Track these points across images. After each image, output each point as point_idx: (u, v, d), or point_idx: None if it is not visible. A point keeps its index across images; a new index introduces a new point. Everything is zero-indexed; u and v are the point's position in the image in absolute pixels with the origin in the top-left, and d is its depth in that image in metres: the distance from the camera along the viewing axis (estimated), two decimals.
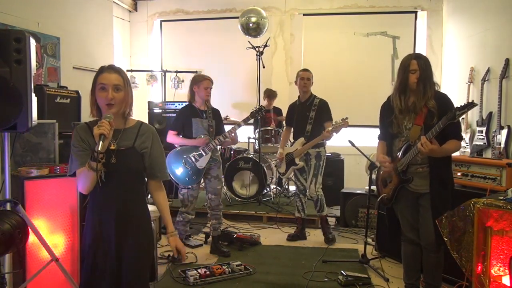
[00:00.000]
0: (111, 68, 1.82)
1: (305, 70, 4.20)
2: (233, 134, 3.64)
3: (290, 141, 4.61)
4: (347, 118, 3.82)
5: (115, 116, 1.80)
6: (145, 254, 1.91)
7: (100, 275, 1.81)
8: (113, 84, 1.78)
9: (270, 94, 5.88)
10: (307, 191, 4.12)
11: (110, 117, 1.73)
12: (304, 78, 4.10)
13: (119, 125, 1.86)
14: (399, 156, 2.56)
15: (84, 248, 1.89)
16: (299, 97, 4.26)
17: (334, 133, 3.85)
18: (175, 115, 5.25)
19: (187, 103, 3.71)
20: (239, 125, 3.66)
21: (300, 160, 4.10)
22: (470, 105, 2.26)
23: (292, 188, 5.75)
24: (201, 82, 3.57)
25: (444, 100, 2.48)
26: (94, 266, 1.82)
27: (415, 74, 2.44)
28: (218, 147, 3.73)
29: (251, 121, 4.13)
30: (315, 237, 4.31)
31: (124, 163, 1.81)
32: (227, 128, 3.80)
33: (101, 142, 1.63)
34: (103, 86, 1.78)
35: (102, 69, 1.82)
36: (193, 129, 3.57)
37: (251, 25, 5.58)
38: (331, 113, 4.08)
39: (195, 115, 3.59)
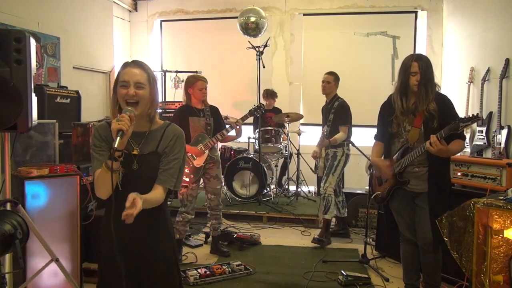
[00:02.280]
0: (135, 63, 1.68)
1: (329, 73, 4.24)
2: (238, 127, 3.61)
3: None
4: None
5: (138, 117, 1.64)
6: (165, 272, 1.75)
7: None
8: (135, 80, 1.62)
9: (269, 94, 5.87)
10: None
11: (131, 110, 1.57)
12: (324, 81, 4.20)
13: (143, 127, 1.71)
14: (397, 157, 2.57)
15: (100, 260, 1.77)
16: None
17: (336, 138, 4.02)
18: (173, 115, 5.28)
19: (183, 103, 3.70)
20: (232, 127, 3.65)
21: (323, 161, 4.23)
22: (474, 119, 2.25)
23: (292, 188, 5.77)
24: (195, 84, 3.54)
25: (444, 102, 2.47)
26: (109, 280, 1.70)
27: (415, 76, 2.42)
28: (219, 145, 3.71)
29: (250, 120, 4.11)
30: None
31: (147, 170, 1.66)
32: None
33: (118, 138, 1.48)
34: (124, 83, 1.62)
35: (125, 65, 1.68)
36: (190, 128, 3.55)
37: (250, 25, 5.57)
38: (346, 116, 4.10)
39: (192, 114, 3.58)
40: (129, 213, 1.42)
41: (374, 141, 2.85)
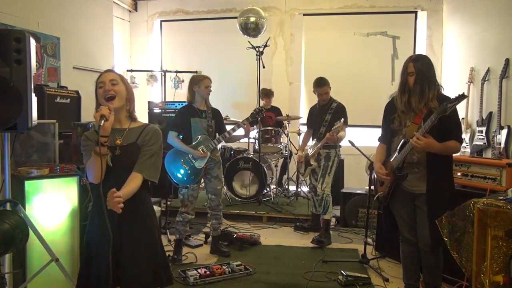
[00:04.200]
0: (106, 70, 2.00)
1: (321, 84, 4.11)
2: (245, 126, 3.60)
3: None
4: (341, 120, 3.88)
5: (118, 112, 1.93)
6: (147, 251, 1.94)
7: (96, 272, 1.86)
8: (109, 79, 1.92)
9: (266, 93, 5.87)
10: (317, 190, 4.20)
11: (108, 104, 1.85)
12: (322, 94, 4.15)
13: (123, 124, 1.99)
14: (396, 154, 2.57)
15: (84, 244, 1.99)
16: (318, 101, 4.30)
17: (339, 136, 3.97)
18: (174, 115, 5.27)
19: (186, 103, 3.70)
20: (239, 125, 3.66)
21: (314, 160, 4.21)
22: (460, 98, 2.26)
23: (292, 188, 5.77)
24: (201, 81, 3.56)
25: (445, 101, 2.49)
26: (90, 262, 1.90)
27: (412, 76, 2.48)
28: (219, 146, 3.72)
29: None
30: None
31: (127, 156, 1.92)
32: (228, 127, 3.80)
33: (103, 121, 1.74)
34: (101, 84, 1.92)
35: (100, 74, 1.98)
36: (192, 128, 3.56)
37: (249, 25, 5.57)
38: (344, 116, 4.12)
39: (194, 115, 3.58)
40: (116, 200, 1.70)
41: (378, 143, 2.86)
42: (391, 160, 2.61)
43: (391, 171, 2.61)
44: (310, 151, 4.31)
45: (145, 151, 1.94)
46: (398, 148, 2.56)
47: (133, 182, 1.89)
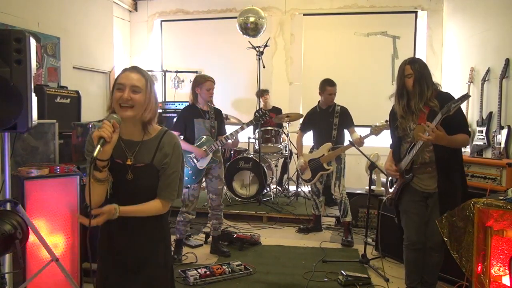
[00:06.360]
0: (133, 68, 1.64)
1: (332, 83, 4.13)
2: (234, 138, 3.66)
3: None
4: (387, 121, 3.81)
5: (132, 123, 1.63)
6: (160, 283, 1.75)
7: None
8: (131, 84, 1.57)
9: (261, 93, 5.85)
10: (332, 194, 4.20)
11: (115, 118, 1.53)
12: (332, 94, 4.14)
13: (137, 136, 1.66)
14: (406, 156, 2.57)
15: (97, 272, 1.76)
16: (319, 104, 4.29)
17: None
18: (175, 115, 5.28)
19: (189, 103, 3.70)
20: (242, 128, 3.67)
21: (328, 164, 4.17)
22: (463, 97, 2.26)
23: (292, 188, 5.77)
24: (203, 84, 3.55)
25: (446, 98, 2.47)
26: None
27: (411, 78, 2.50)
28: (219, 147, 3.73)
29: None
30: (315, 237, 4.32)
31: (141, 181, 1.64)
32: (228, 128, 3.80)
33: (98, 146, 1.44)
34: (120, 86, 1.58)
35: (124, 70, 1.64)
36: (195, 129, 3.56)
37: (249, 25, 5.57)
38: (351, 118, 4.19)
39: (198, 116, 3.58)
40: (97, 212, 1.50)
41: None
42: (401, 163, 2.61)
43: (400, 173, 2.61)
44: (316, 155, 4.23)
45: (169, 174, 1.67)
46: (407, 151, 2.56)
47: (152, 205, 1.65)
